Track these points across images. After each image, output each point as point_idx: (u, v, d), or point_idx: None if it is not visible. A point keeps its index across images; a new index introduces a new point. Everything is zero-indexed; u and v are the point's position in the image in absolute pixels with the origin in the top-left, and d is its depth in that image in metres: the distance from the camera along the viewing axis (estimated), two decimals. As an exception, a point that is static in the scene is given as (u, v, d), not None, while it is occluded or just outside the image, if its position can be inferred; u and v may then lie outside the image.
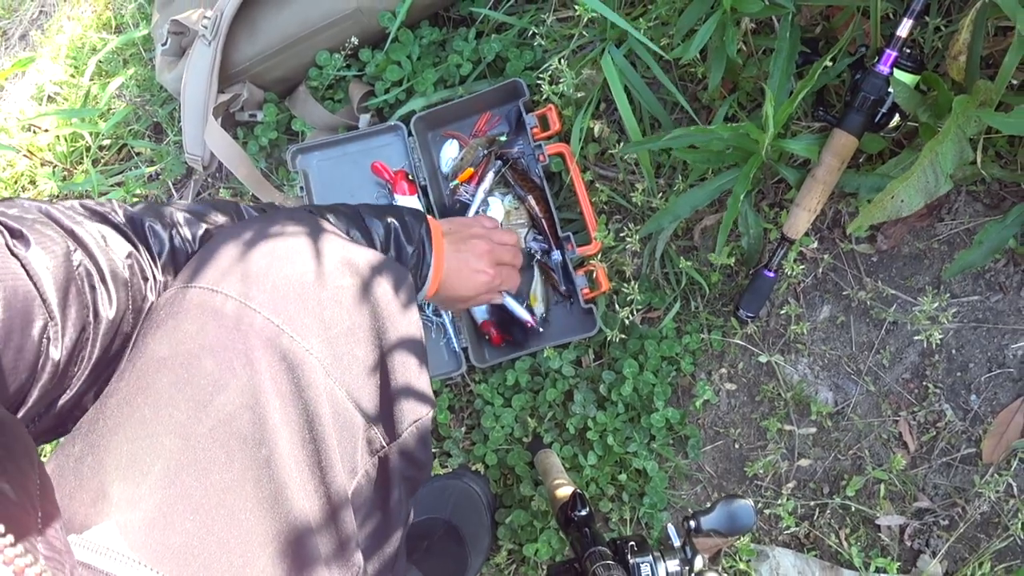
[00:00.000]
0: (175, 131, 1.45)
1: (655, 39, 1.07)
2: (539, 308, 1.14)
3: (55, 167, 1.51)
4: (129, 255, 0.62)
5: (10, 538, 0.39)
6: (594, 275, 1.09)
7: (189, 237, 0.68)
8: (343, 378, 0.62)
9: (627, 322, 1.09)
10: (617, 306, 1.09)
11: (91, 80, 1.54)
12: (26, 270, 0.52)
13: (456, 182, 1.17)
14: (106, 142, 1.51)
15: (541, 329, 1.12)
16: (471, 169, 1.16)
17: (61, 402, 0.58)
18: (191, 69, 1.20)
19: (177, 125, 1.45)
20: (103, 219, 0.62)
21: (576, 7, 1.06)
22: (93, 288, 0.58)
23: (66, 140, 1.52)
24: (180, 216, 0.68)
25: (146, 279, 0.63)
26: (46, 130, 1.54)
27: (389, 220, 0.82)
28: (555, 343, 1.12)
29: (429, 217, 0.88)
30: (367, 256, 0.68)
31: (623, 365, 1.09)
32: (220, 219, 0.71)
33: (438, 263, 0.87)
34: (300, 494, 0.57)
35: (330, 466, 0.59)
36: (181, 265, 0.66)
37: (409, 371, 0.68)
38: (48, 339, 0.53)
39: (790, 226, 0.99)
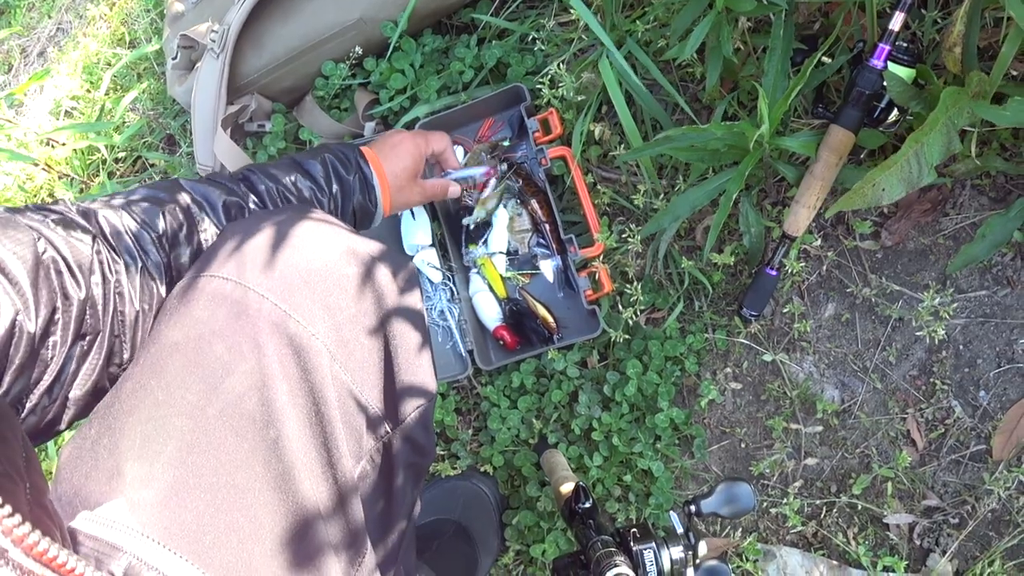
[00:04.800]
0: (187, 143, 1.48)
1: (653, 40, 1.08)
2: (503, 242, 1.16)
3: (72, 180, 1.55)
4: (94, 242, 0.65)
5: (8, 508, 0.40)
6: (597, 276, 1.09)
7: (146, 221, 0.71)
8: (347, 363, 0.64)
9: (631, 323, 1.09)
10: (621, 307, 1.09)
11: (106, 94, 1.57)
12: None
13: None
14: (121, 154, 1.54)
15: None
16: (474, 174, 1.17)
17: (40, 389, 0.60)
18: (200, 82, 1.23)
19: (189, 137, 1.48)
20: (60, 216, 0.65)
21: (574, 11, 1.07)
22: (60, 273, 0.60)
23: (82, 153, 1.56)
24: (137, 207, 0.71)
25: (111, 264, 0.66)
26: (63, 144, 1.58)
27: (324, 155, 0.88)
28: (560, 345, 1.13)
29: (359, 145, 0.95)
30: (370, 246, 0.70)
31: (627, 366, 1.09)
32: (163, 195, 0.74)
33: (381, 177, 0.94)
34: (307, 475, 0.59)
35: (336, 448, 0.61)
36: (136, 251, 0.69)
37: (411, 358, 0.70)
38: (20, 320, 0.56)
39: (791, 223, 0.99)
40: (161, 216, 0.72)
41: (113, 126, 1.52)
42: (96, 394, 0.65)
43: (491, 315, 1.16)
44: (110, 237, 0.67)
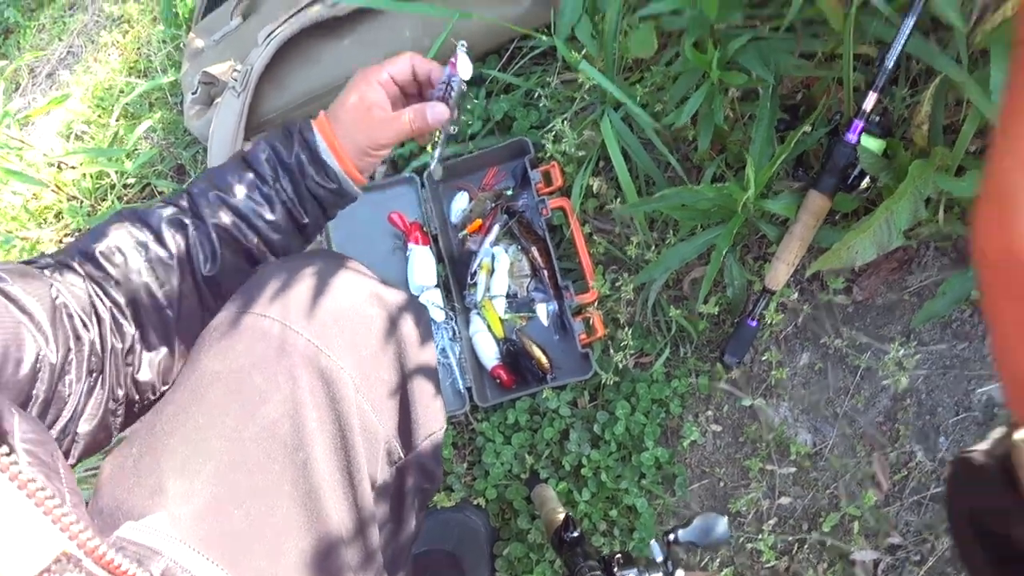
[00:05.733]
0: (197, 173, 1.53)
1: (651, 104, 1.16)
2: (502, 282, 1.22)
3: (81, 202, 1.59)
4: (85, 284, 0.70)
5: (82, 524, 0.46)
6: (591, 322, 1.17)
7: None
8: (369, 395, 0.71)
9: (620, 366, 1.16)
10: (612, 351, 1.16)
11: (117, 121, 1.62)
12: (14, 301, 0.61)
13: (465, 232, 1.25)
14: (131, 181, 1.59)
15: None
16: (479, 220, 1.25)
17: (58, 427, 0.65)
18: (219, 117, 1.29)
19: (199, 167, 1.53)
20: (58, 264, 0.71)
21: (579, 72, 1.15)
22: (71, 316, 0.66)
23: (92, 177, 1.60)
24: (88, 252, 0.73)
25: (102, 303, 0.71)
26: (73, 167, 1.62)
27: (267, 140, 0.82)
28: (553, 384, 1.19)
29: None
30: (395, 295, 0.78)
31: (616, 406, 1.16)
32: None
33: (329, 139, 0.81)
34: (331, 495, 0.66)
35: (358, 471, 0.68)
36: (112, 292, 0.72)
37: (425, 391, 0.78)
38: (43, 354, 0.61)
39: (771, 278, 1.07)
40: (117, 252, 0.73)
41: (124, 152, 1.57)
42: (101, 430, 0.70)
43: (489, 354, 1.22)
44: (97, 279, 0.72)
